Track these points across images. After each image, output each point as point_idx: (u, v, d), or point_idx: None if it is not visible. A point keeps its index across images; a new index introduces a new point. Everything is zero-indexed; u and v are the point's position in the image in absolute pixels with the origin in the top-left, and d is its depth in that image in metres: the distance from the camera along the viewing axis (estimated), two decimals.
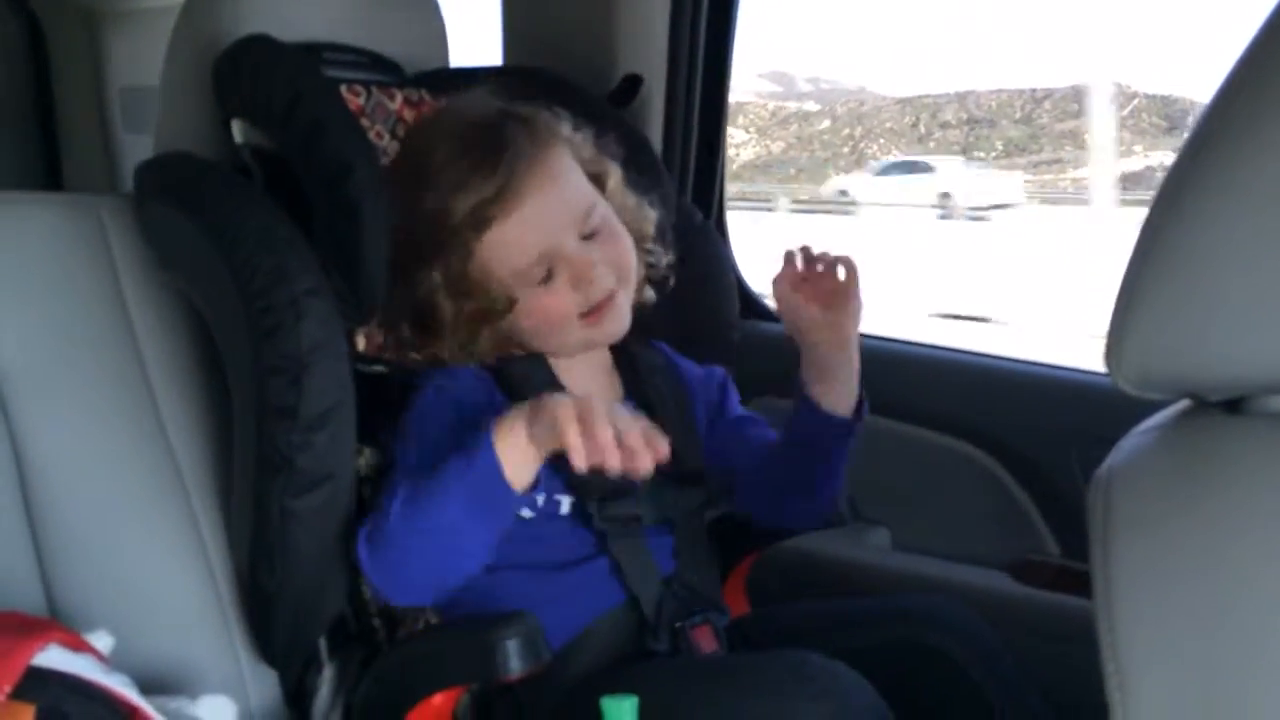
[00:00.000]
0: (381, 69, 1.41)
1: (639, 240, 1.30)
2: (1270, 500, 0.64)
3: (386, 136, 1.36)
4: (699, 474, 1.28)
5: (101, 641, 0.96)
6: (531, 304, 1.21)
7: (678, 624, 1.19)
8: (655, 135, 1.73)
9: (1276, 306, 0.64)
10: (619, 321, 1.25)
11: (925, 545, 1.68)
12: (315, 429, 1.10)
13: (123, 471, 1.20)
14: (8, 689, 0.80)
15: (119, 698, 0.86)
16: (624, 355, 1.32)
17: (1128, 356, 0.69)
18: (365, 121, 1.34)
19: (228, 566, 1.21)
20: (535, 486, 1.08)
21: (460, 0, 1.65)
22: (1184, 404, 0.74)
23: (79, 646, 0.88)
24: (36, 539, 1.16)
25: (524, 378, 1.23)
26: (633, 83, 1.64)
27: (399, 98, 1.39)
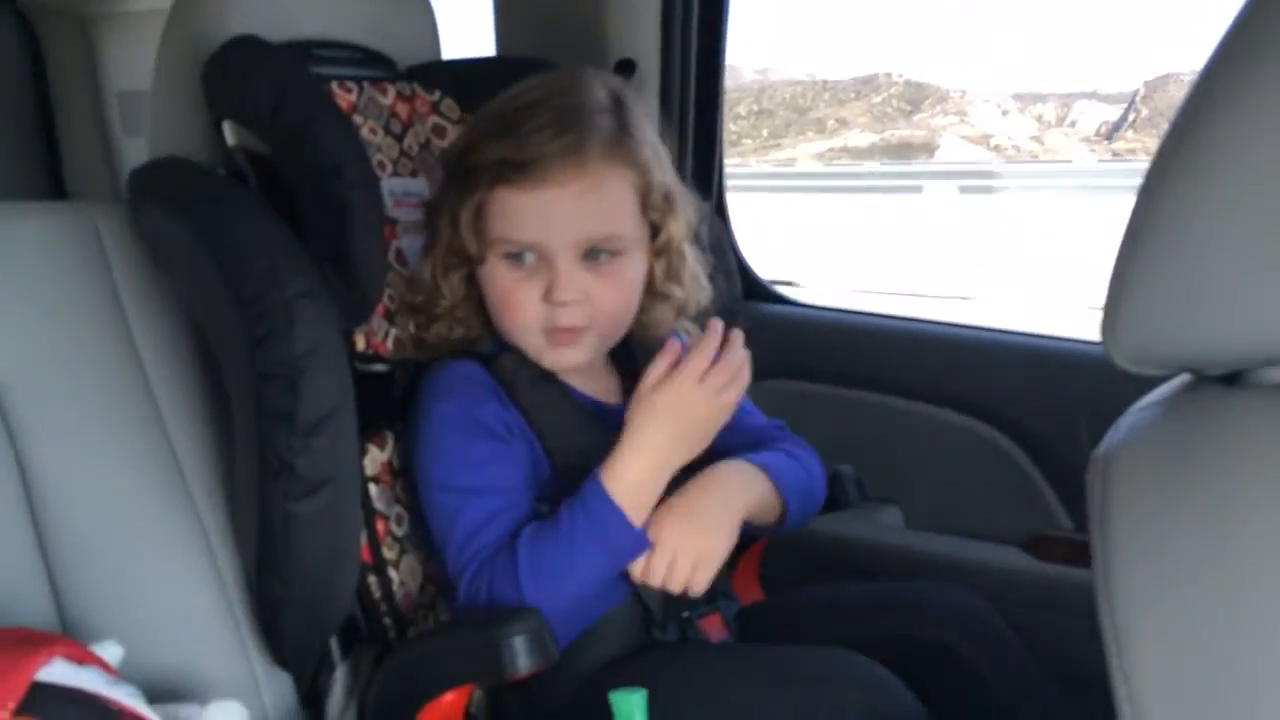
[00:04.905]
0: (373, 64, 1.40)
1: (679, 310, 1.26)
2: (1272, 473, 0.63)
3: (380, 132, 1.35)
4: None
5: (109, 652, 0.96)
6: (500, 277, 1.18)
7: (685, 614, 1.19)
8: (651, 120, 1.71)
9: (1272, 277, 0.63)
10: (570, 358, 1.20)
11: (937, 523, 1.67)
12: (314, 433, 1.10)
13: (127, 479, 1.20)
14: (12, 706, 0.80)
15: (126, 710, 0.86)
16: (623, 351, 1.29)
17: (1123, 333, 0.68)
18: (358, 118, 1.33)
19: (236, 571, 1.21)
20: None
21: None
22: (1184, 378, 0.73)
23: (84, 659, 0.88)
24: (44, 551, 1.16)
25: (515, 370, 1.20)
26: (627, 67, 1.62)
27: (391, 92, 1.38)
